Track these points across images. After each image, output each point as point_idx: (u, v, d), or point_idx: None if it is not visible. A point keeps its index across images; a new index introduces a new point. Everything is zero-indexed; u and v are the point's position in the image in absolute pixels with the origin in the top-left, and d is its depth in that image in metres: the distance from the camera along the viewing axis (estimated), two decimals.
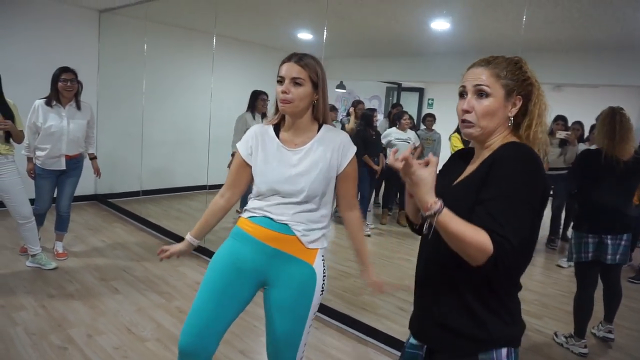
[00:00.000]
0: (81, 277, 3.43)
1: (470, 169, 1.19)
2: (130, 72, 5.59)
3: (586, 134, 4.99)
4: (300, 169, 1.58)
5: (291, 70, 1.54)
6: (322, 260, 1.65)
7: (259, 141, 1.64)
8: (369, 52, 7.21)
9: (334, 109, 5.62)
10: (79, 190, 3.84)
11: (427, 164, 1.02)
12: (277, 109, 1.63)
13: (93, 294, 3.15)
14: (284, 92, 1.54)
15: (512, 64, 1.14)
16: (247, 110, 4.87)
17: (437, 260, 1.14)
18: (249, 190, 5.85)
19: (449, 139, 5.07)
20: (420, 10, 4.26)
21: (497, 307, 1.09)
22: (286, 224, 1.58)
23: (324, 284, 1.64)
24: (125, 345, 2.55)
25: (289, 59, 1.58)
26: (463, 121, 1.16)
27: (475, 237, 0.96)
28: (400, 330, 2.89)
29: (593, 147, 2.78)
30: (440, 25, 4.66)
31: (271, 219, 1.60)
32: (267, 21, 5.26)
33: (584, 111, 5.01)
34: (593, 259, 2.69)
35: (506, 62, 1.14)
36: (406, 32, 5.13)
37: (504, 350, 1.08)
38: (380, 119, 6.32)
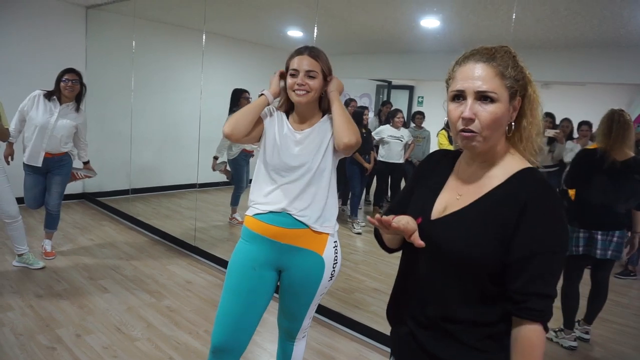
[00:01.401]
0: (69, 276, 3.39)
1: (468, 184, 1.03)
2: (118, 70, 5.53)
3: (574, 131, 5.04)
4: (301, 145, 1.66)
5: (305, 63, 1.61)
6: (334, 247, 1.70)
7: (275, 118, 1.73)
8: (359, 50, 7.21)
9: (365, 109, 5.61)
10: (67, 189, 3.78)
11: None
12: (286, 100, 1.72)
13: (81, 293, 3.11)
14: (300, 84, 1.60)
15: (512, 59, 0.97)
16: (230, 109, 4.84)
17: (438, 300, 1.02)
18: (239, 189, 5.80)
19: (437, 136, 5.10)
20: (410, 8, 4.26)
21: (501, 335, 0.98)
22: (290, 215, 1.62)
23: (333, 270, 1.70)
24: (115, 344, 2.53)
25: (300, 52, 1.64)
26: (463, 131, 0.95)
27: (532, 354, 0.91)
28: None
29: (590, 144, 2.82)
30: (430, 23, 4.67)
31: (275, 212, 1.64)
32: (257, 18, 5.23)
33: (572, 109, 5.07)
34: (584, 252, 2.73)
35: (507, 56, 0.96)
36: (396, 29, 5.14)
37: None
38: (370, 117, 6.33)
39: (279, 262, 1.68)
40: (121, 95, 5.50)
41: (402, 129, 5.55)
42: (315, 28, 3.47)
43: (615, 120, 2.60)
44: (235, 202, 5.09)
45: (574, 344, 2.80)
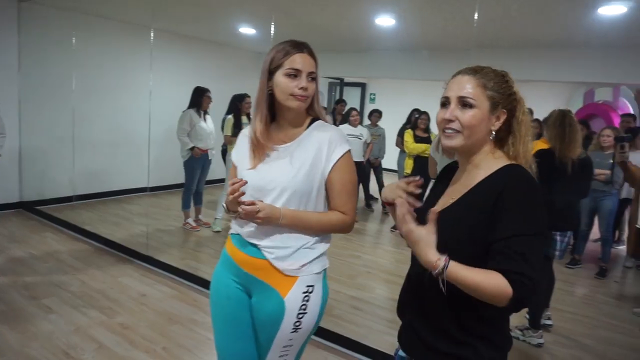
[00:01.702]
0: (7, 296, 3.09)
1: (459, 186, 1.14)
2: (57, 68, 5.16)
3: None
4: (278, 165, 1.41)
5: (308, 64, 1.40)
6: (305, 293, 1.39)
7: (246, 142, 1.49)
8: (313, 48, 7.12)
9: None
10: (1, 198, 3.46)
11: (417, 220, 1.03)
12: (267, 107, 1.44)
13: (22, 316, 2.84)
14: (304, 88, 1.38)
15: (499, 76, 1.11)
16: (190, 107, 4.66)
17: (431, 285, 1.07)
18: (187, 191, 5.55)
19: (399, 133, 5.13)
20: (366, 6, 4.23)
21: (485, 332, 1.08)
22: (255, 245, 1.42)
23: (299, 322, 1.39)
24: None
25: (300, 48, 1.40)
26: (444, 130, 1.10)
27: (490, 283, 0.96)
28: (357, 331, 2.86)
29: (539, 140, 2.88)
30: (385, 21, 4.67)
31: (241, 235, 1.46)
32: (210, 15, 5.03)
33: None
34: (544, 254, 2.80)
35: (493, 73, 1.11)
36: (351, 28, 5.12)
37: None
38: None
39: (247, 289, 1.47)
40: (61, 96, 5.14)
41: (360, 126, 5.55)
42: (273, 26, 3.36)
43: (567, 124, 2.70)
44: (185, 205, 4.89)
45: (541, 340, 2.87)
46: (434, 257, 0.98)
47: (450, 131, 1.09)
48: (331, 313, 3.12)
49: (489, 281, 0.95)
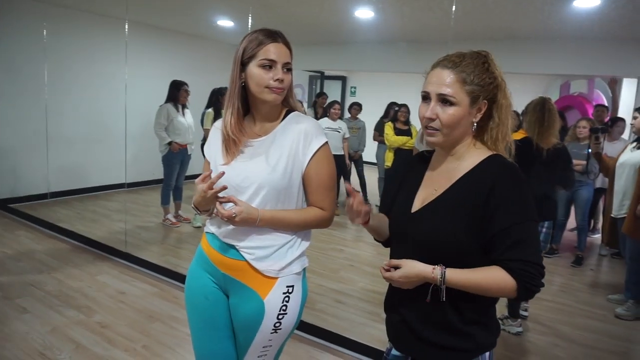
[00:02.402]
0: None
1: (439, 178, 1.13)
2: (28, 61, 4.99)
3: None
4: (253, 161, 1.35)
5: (283, 54, 1.32)
6: (285, 294, 1.36)
7: (218, 136, 1.43)
8: (292, 41, 7.02)
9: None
10: None
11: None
12: (240, 99, 1.37)
13: None
14: (280, 79, 1.31)
15: (479, 66, 1.07)
16: (167, 101, 4.58)
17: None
18: (166, 186, 5.48)
19: (375, 127, 5.13)
20: None
21: (480, 318, 1.09)
22: (233, 245, 1.37)
23: (279, 322, 1.35)
24: None
25: (274, 37, 1.32)
26: (426, 128, 1.09)
27: (491, 279, 0.98)
28: (340, 324, 2.86)
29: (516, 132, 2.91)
30: (365, 13, 4.66)
31: (216, 235, 1.41)
32: (185, 6, 4.93)
33: None
34: None
35: (474, 63, 1.07)
36: (330, 20, 5.08)
37: (487, 354, 1.10)
38: (305, 108, 6.26)
39: (225, 289, 1.43)
40: (33, 90, 4.98)
41: (339, 120, 5.53)
42: (250, 18, 3.31)
43: (547, 109, 2.71)
44: (165, 201, 4.81)
45: (520, 329, 2.92)
46: (428, 269, 1.01)
47: (431, 129, 1.09)
48: (314, 307, 3.11)
49: (489, 278, 0.98)
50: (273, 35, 1.33)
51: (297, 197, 1.39)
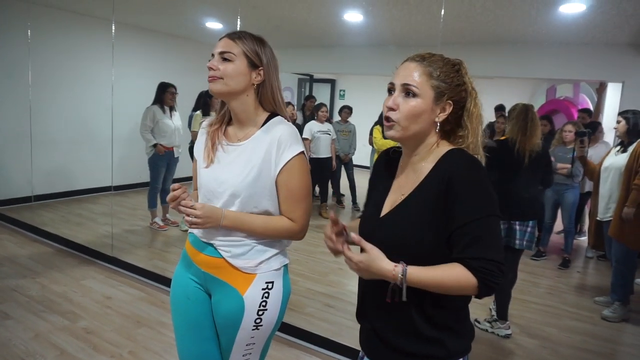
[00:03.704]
0: None
1: (405, 181, 1.11)
2: (11, 62, 4.90)
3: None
4: (230, 167, 1.36)
5: (221, 44, 1.34)
6: (265, 290, 1.38)
7: (204, 137, 1.46)
8: (282, 44, 7.04)
9: (288, 104, 5.40)
10: None
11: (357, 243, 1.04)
12: (222, 103, 1.43)
13: None
14: (210, 67, 1.33)
15: (448, 65, 1.07)
16: (153, 103, 4.53)
17: (384, 283, 1.05)
18: (152, 189, 5.40)
19: (371, 131, 5.13)
20: (334, 1, 4.21)
21: (450, 323, 1.07)
22: (211, 244, 1.39)
23: (259, 319, 1.37)
24: None
25: (223, 36, 1.37)
26: (387, 119, 1.07)
27: (452, 276, 0.96)
28: (330, 328, 2.85)
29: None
30: (354, 17, 4.67)
31: (197, 235, 1.42)
32: (173, 8, 4.89)
33: (482, 100, 5.38)
34: (505, 244, 2.85)
35: (443, 62, 1.07)
36: (319, 23, 5.09)
37: None
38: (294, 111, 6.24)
39: (207, 288, 1.44)
40: (17, 90, 4.89)
41: (326, 123, 5.54)
42: (239, 20, 3.29)
43: (529, 119, 2.80)
44: (152, 204, 4.75)
45: (509, 332, 2.93)
46: (389, 267, 0.98)
47: (390, 122, 1.07)
48: (303, 311, 3.09)
49: (450, 275, 0.95)
50: (225, 34, 1.38)
51: (275, 205, 1.38)
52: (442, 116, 1.06)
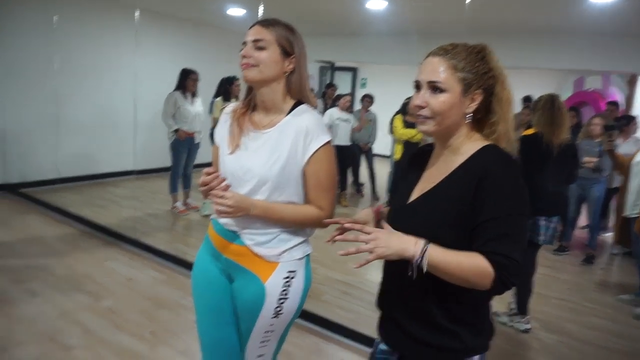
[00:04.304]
0: None
1: (436, 172, 1.10)
2: (38, 48, 5.00)
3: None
4: (256, 154, 1.35)
5: (253, 33, 1.33)
6: (287, 279, 1.38)
7: (227, 122, 1.45)
8: (304, 31, 6.95)
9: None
10: None
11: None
12: (248, 89, 1.42)
13: (6, 300, 2.79)
14: (244, 55, 1.32)
15: (472, 54, 1.05)
16: (176, 89, 4.57)
17: (406, 272, 1.04)
18: (173, 174, 5.46)
19: (391, 121, 5.10)
20: None
21: (469, 319, 1.07)
22: (235, 231, 1.39)
23: (280, 307, 1.38)
24: (47, 355, 2.28)
25: (255, 23, 1.35)
26: (417, 117, 1.07)
27: (473, 264, 0.94)
28: (346, 316, 2.86)
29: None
30: (376, 4, 4.61)
31: (221, 224, 1.43)
32: None
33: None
34: (529, 239, 2.80)
35: (466, 52, 1.05)
36: (342, 11, 5.04)
37: (477, 357, 1.07)
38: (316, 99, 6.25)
39: (228, 274, 1.45)
40: (43, 76, 4.99)
41: (347, 112, 5.53)
42: (261, 7, 3.28)
43: (556, 107, 2.68)
44: (173, 189, 4.82)
45: (529, 326, 2.89)
46: (411, 241, 0.96)
47: (422, 118, 1.06)
48: (320, 298, 3.12)
49: (470, 262, 0.94)
50: (257, 22, 1.36)
51: (300, 193, 1.39)
52: (473, 106, 1.05)
